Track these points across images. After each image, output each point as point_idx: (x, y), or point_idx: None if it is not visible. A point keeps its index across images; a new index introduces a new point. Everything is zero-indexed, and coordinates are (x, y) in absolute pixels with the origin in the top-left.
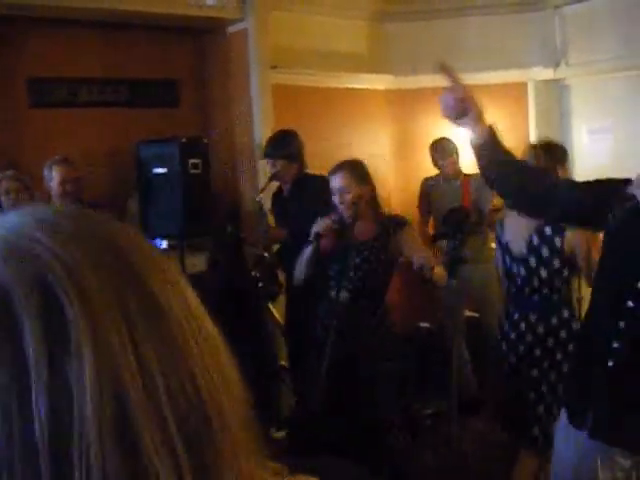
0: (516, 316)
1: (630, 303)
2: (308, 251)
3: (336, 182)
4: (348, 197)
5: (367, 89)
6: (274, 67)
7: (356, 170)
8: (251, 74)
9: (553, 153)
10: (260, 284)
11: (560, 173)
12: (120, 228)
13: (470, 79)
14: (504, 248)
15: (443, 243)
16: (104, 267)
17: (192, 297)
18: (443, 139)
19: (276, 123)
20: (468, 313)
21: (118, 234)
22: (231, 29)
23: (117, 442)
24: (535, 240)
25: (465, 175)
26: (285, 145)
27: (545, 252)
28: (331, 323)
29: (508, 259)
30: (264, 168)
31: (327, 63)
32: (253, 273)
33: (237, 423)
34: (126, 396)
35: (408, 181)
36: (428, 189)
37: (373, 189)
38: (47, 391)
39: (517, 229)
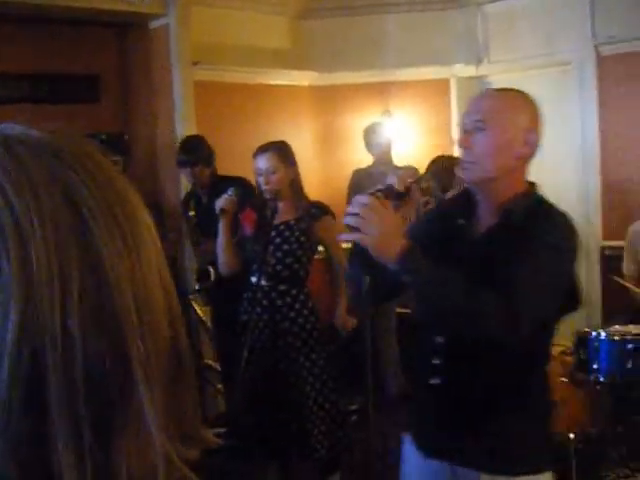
0: None
1: None
2: (220, 231)
3: (262, 162)
4: (273, 177)
5: (290, 85)
6: (196, 63)
7: (282, 151)
8: (173, 70)
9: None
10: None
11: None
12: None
13: (392, 75)
14: None
15: None
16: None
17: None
18: (375, 124)
19: (198, 120)
20: (400, 310)
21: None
22: (153, 24)
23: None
24: None
25: (399, 167)
26: (198, 149)
27: None
28: (253, 310)
29: None
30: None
31: (250, 59)
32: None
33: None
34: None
35: (332, 177)
36: (360, 179)
37: (297, 172)
38: None
39: None
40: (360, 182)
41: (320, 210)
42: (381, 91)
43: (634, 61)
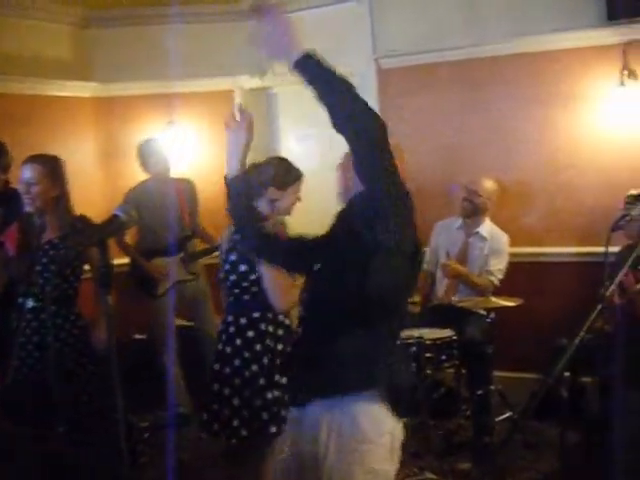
0: (230, 319)
1: None
2: None
3: (25, 173)
4: (34, 189)
5: (72, 97)
6: None
7: (49, 165)
8: None
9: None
10: None
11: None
12: None
13: (177, 87)
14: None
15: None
16: None
17: None
18: (150, 139)
19: None
20: (184, 323)
21: None
22: None
23: None
24: (228, 244)
25: (176, 179)
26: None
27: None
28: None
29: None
30: None
31: (31, 69)
32: None
33: None
34: None
35: (116, 190)
36: (134, 199)
37: (65, 189)
38: None
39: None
40: (137, 197)
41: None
42: (165, 102)
43: (411, 74)
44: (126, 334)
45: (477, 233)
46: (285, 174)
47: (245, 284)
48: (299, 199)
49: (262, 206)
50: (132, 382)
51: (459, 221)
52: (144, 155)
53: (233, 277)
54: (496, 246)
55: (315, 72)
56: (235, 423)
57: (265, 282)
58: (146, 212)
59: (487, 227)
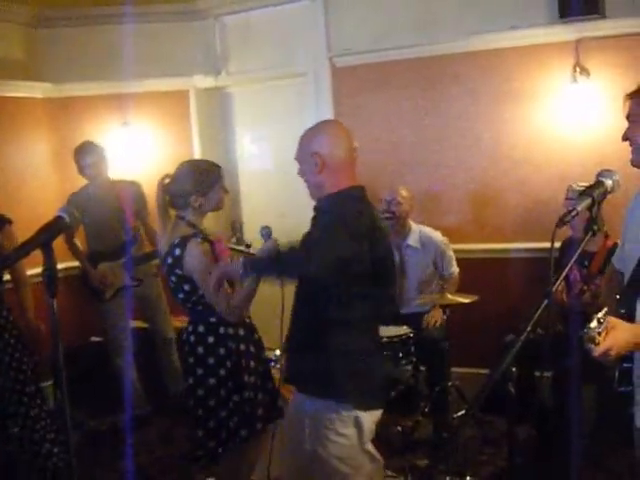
0: (191, 328)
1: None
2: None
3: None
4: None
5: (24, 97)
6: None
7: None
8: None
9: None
10: None
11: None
12: None
13: (131, 87)
14: None
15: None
16: None
17: None
18: (87, 142)
19: None
20: (140, 324)
21: None
22: None
23: None
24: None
25: (118, 182)
26: None
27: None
28: None
29: None
30: None
31: None
32: None
33: None
34: None
35: (69, 191)
36: (77, 204)
37: None
38: None
39: None
40: (78, 202)
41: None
42: (119, 103)
43: (365, 72)
44: (83, 337)
45: (408, 246)
46: (204, 179)
47: (194, 298)
48: (226, 192)
49: (189, 216)
50: (89, 385)
51: None
52: (78, 159)
53: (181, 295)
54: (434, 252)
55: (262, 270)
56: (210, 443)
57: (207, 297)
58: (88, 217)
59: (415, 235)
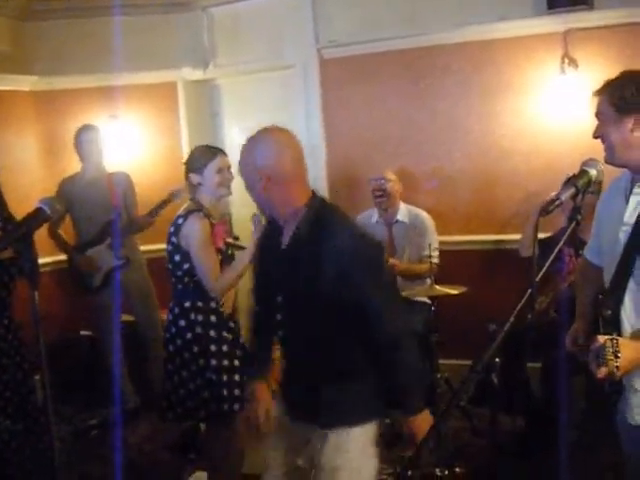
0: (171, 306)
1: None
2: None
3: None
4: None
5: (12, 90)
6: None
7: None
8: None
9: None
10: None
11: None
12: None
13: (119, 79)
14: None
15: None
16: None
17: None
18: (86, 126)
19: None
20: (127, 317)
21: None
22: None
23: None
24: (171, 228)
25: (109, 174)
26: None
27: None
28: None
29: None
30: None
31: None
32: None
33: None
34: None
35: (56, 184)
36: (68, 191)
37: None
38: None
39: None
40: (69, 189)
41: None
42: (107, 95)
43: (354, 64)
44: (73, 330)
45: (397, 221)
46: (199, 157)
47: (179, 273)
48: (231, 177)
49: (196, 195)
50: (79, 379)
51: (375, 215)
52: (77, 134)
53: (170, 265)
54: (420, 227)
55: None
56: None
57: (197, 268)
58: (78, 203)
59: (403, 211)
